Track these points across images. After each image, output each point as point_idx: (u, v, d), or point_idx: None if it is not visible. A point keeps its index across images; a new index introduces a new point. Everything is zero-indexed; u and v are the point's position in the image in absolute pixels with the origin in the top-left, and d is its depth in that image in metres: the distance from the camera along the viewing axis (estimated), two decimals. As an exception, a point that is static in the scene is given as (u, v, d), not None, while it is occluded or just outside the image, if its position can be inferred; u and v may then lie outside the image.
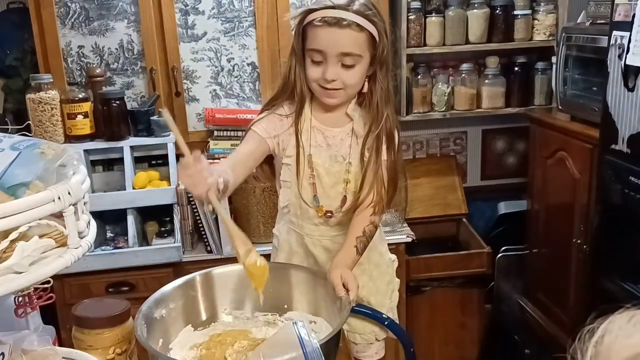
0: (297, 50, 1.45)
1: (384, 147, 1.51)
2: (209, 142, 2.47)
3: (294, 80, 1.48)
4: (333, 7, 1.37)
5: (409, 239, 2.51)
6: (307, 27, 1.41)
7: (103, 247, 2.35)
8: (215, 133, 2.47)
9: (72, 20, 2.40)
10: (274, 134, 1.50)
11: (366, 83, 1.47)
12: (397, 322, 1.68)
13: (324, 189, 1.52)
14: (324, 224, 1.56)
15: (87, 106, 2.35)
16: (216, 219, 2.38)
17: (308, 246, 1.59)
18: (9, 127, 2.30)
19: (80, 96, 2.34)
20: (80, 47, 2.43)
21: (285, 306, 1.39)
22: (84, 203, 0.94)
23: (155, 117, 2.37)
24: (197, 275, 1.38)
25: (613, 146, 1.87)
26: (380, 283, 1.66)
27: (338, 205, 1.53)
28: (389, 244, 2.40)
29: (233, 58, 2.50)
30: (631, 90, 1.78)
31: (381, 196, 1.50)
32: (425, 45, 2.65)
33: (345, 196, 1.52)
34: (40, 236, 0.87)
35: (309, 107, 1.51)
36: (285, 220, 1.63)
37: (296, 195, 1.53)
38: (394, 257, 1.76)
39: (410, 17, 2.58)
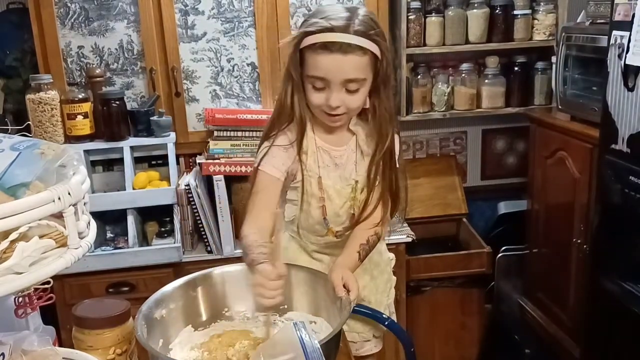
0: (295, 76, 1.36)
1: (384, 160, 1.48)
2: (209, 142, 2.47)
3: (292, 106, 1.39)
4: (332, 30, 1.28)
5: (409, 239, 2.51)
6: (305, 51, 1.33)
7: (103, 248, 2.35)
8: (215, 133, 2.47)
9: (72, 20, 2.40)
10: (284, 168, 1.43)
11: (367, 99, 1.42)
12: (394, 318, 1.69)
13: (334, 210, 1.49)
14: (327, 235, 1.55)
15: (87, 106, 2.35)
16: (216, 219, 2.39)
17: (311, 254, 1.59)
18: (9, 127, 2.30)
19: (80, 96, 2.34)
20: (80, 47, 2.43)
21: (285, 306, 1.39)
22: (84, 203, 0.94)
23: (155, 117, 2.37)
24: (197, 275, 1.38)
25: (613, 146, 1.87)
26: (379, 282, 1.67)
27: (347, 223, 1.51)
28: (389, 244, 2.42)
29: (233, 58, 2.50)
30: (631, 90, 1.78)
31: (386, 212, 1.51)
32: (425, 45, 2.65)
33: (353, 214, 1.51)
34: (41, 237, 0.87)
35: (311, 128, 1.45)
36: (286, 227, 1.61)
37: (304, 215, 1.51)
38: (392, 255, 1.77)
39: (410, 17, 2.58)
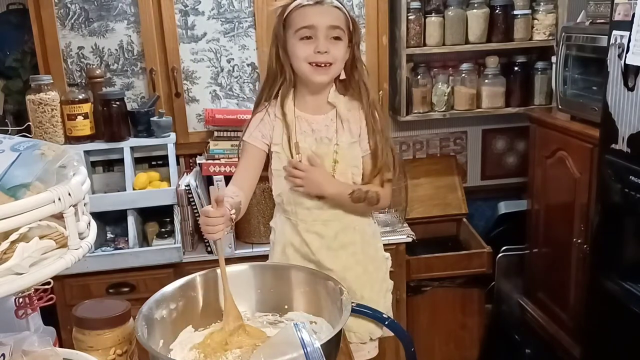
0: (280, 37, 1.56)
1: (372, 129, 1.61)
2: (209, 142, 2.47)
3: (281, 64, 1.57)
4: None
5: (409, 239, 2.51)
6: (290, 15, 1.54)
7: (103, 248, 2.35)
8: (216, 134, 2.47)
9: (72, 21, 2.40)
10: (261, 135, 1.60)
11: (342, 71, 1.58)
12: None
13: None
14: (317, 207, 1.60)
15: (87, 107, 2.35)
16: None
17: (301, 233, 1.62)
18: (9, 128, 2.30)
19: (80, 97, 2.34)
20: (80, 48, 2.43)
21: (286, 306, 1.39)
22: (84, 204, 0.94)
23: (155, 118, 2.37)
24: (197, 275, 1.38)
25: (613, 146, 1.87)
26: (375, 279, 1.68)
27: None
28: (389, 244, 2.43)
29: (233, 59, 2.50)
30: (631, 89, 1.78)
31: (387, 163, 1.61)
32: (425, 45, 2.65)
33: (334, 177, 1.59)
34: (41, 237, 0.87)
35: (292, 99, 1.60)
36: (280, 211, 1.68)
37: (288, 182, 1.59)
38: (387, 255, 1.79)
39: (410, 17, 2.58)
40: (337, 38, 1.52)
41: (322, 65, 1.52)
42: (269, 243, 1.77)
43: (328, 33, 1.50)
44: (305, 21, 1.50)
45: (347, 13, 1.55)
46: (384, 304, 1.70)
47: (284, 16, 1.55)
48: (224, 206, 1.35)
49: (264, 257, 1.79)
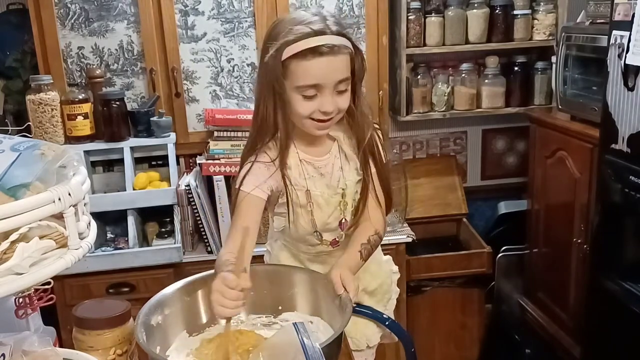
0: (280, 91, 1.29)
1: (370, 159, 1.45)
2: (209, 142, 2.47)
3: (275, 122, 1.34)
4: (316, 34, 1.24)
5: (409, 239, 2.51)
6: (288, 63, 1.26)
7: (103, 248, 2.35)
8: (215, 134, 2.47)
9: (72, 21, 2.40)
10: (267, 186, 1.38)
11: None
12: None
13: (323, 219, 1.46)
14: (320, 244, 1.51)
15: (87, 107, 2.35)
16: (216, 219, 2.39)
17: (304, 262, 1.57)
18: (9, 128, 2.30)
19: (80, 97, 2.34)
20: (80, 48, 2.43)
21: (280, 307, 1.38)
22: (85, 204, 0.94)
23: (155, 118, 2.37)
24: (191, 280, 1.35)
25: (613, 146, 1.87)
26: (378, 292, 1.65)
27: (337, 227, 1.48)
28: (389, 244, 2.43)
29: (233, 59, 2.50)
30: (631, 89, 1.78)
31: (383, 210, 1.48)
32: (425, 45, 2.65)
33: (344, 218, 1.47)
34: (41, 237, 0.87)
35: (292, 142, 1.41)
36: (277, 236, 1.60)
37: (293, 227, 1.47)
38: (395, 268, 1.73)
39: (410, 17, 2.58)
40: (342, 91, 1.31)
41: (326, 120, 1.33)
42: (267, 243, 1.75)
43: (335, 88, 1.28)
44: (309, 79, 1.25)
45: (352, 48, 1.30)
46: (384, 312, 1.66)
47: (282, 61, 1.27)
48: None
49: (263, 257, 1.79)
